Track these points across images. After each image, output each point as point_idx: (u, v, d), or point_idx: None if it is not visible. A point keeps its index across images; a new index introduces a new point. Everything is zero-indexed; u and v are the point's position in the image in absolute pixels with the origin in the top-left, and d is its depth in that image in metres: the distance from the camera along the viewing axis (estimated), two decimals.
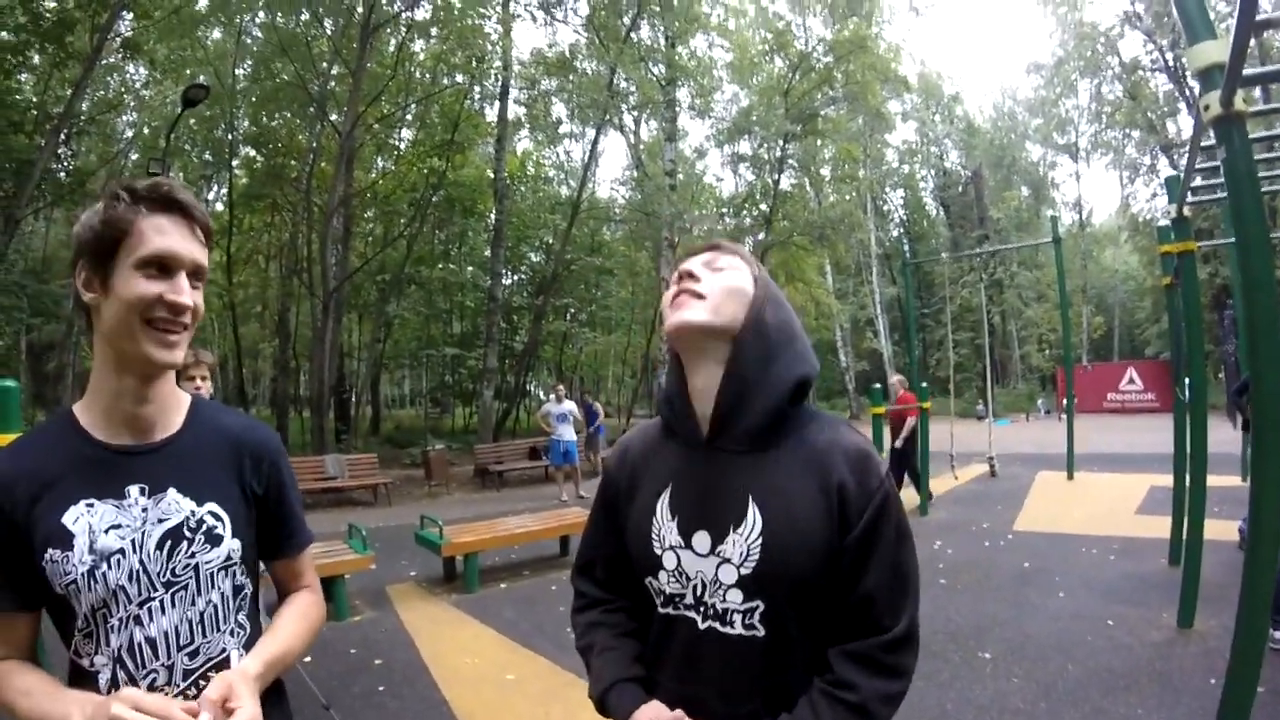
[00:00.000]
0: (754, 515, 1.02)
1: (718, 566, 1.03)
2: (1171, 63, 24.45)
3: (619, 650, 1.14)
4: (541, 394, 26.68)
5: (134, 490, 1.04)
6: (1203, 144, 3.57)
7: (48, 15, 11.30)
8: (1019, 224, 32.99)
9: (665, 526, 1.08)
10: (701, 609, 1.05)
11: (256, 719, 0.96)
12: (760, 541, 1.01)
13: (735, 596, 1.02)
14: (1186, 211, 4.56)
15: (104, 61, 14.19)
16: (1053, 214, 14.97)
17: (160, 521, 1.04)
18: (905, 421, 8.81)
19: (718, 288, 1.07)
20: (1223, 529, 5.72)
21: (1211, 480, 4.62)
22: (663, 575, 1.08)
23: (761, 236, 21.20)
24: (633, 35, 16.77)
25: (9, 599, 1.01)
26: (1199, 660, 3.84)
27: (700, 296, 1.06)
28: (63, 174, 14.59)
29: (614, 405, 36.92)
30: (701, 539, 1.05)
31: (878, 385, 7.74)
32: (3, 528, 0.98)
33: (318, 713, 2.97)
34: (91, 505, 1.01)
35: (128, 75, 18.51)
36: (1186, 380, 4.86)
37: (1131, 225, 29.84)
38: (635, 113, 21.59)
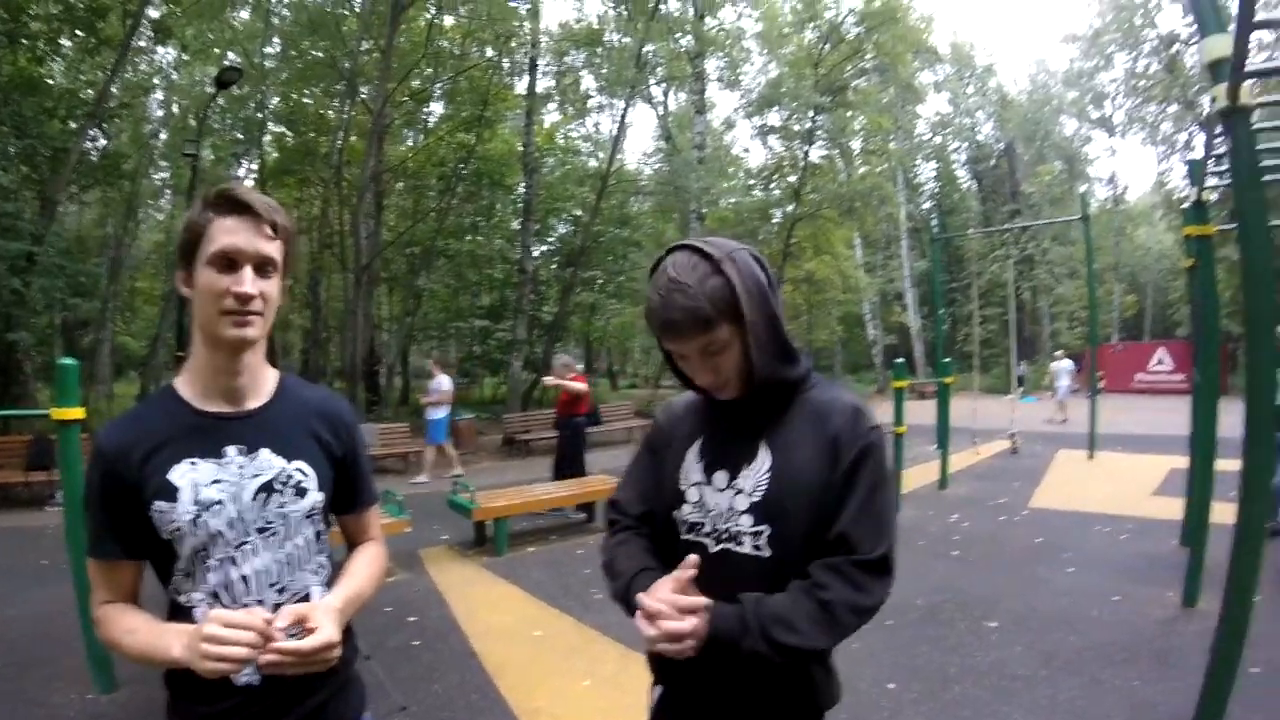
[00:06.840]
0: (764, 454, 1.25)
1: (733, 496, 1.25)
2: None
3: (641, 555, 1.33)
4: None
5: (232, 450, 1.18)
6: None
7: (80, 3, 11.43)
8: (1052, 199, 32.05)
9: (693, 468, 1.32)
10: (715, 534, 1.26)
11: (333, 641, 1.08)
12: (769, 475, 1.23)
13: (746, 521, 1.23)
14: (1211, 196, 4.58)
15: (135, 44, 14.36)
16: (1082, 190, 14.62)
17: (255, 476, 1.19)
18: (574, 402, 8.36)
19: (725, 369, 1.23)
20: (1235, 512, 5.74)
21: (1228, 464, 4.67)
22: (686, 507, 1.30)
23: (790, 209, 21.11)
24: (660, 8, 16.63)
25: (118, 549, 1.16)
26: (1198, 639, 3.86)
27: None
28: (95, 156, 14.75)
29: (640, 376, 37.12)
30: (720, 476, 1.27)
31: (901, 360, 7.82)
32: (118, 487, 1.13)
33: (359, 662, 3.19)
34: (194, 464, 1.15)
35: (157, 57, 18.72)
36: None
37: (1166, 203, 28.96)
38: (664, 85, 21.44)
